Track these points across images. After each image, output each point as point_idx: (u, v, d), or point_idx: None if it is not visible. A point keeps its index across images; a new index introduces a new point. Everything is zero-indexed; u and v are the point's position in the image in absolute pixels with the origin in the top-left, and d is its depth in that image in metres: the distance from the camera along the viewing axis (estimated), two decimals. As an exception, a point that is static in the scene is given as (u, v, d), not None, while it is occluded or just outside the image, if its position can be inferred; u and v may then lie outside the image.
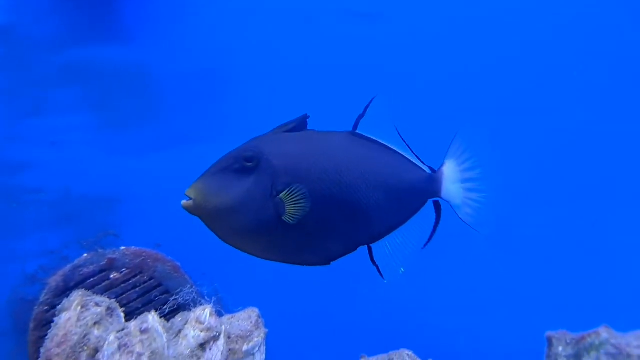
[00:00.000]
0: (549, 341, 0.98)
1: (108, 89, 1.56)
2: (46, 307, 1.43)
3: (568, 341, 0.95)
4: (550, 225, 1.60)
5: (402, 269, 1.18)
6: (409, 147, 1.18)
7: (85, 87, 1.55)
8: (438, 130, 1.25)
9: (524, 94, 1.60)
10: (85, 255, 1.48)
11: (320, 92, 1.56)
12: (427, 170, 1.19)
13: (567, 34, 1.61)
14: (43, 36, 1.53)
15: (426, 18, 1.63)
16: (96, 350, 0.89)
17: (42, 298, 1.44)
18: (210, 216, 1.10)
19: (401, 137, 1.18)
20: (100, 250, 1.50)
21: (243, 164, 1.10)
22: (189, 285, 1.27)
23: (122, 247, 1.41)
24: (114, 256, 1.45)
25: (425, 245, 1.19)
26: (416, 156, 1.19)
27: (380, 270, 1.17)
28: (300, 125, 1.16)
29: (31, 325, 1.43)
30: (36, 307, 1.44)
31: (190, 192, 1.09)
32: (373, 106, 1.16)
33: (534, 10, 1.62)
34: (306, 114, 1.16)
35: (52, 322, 1.39)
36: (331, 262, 1.16)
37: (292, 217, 1.09)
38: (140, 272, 1.44)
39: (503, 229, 1.56)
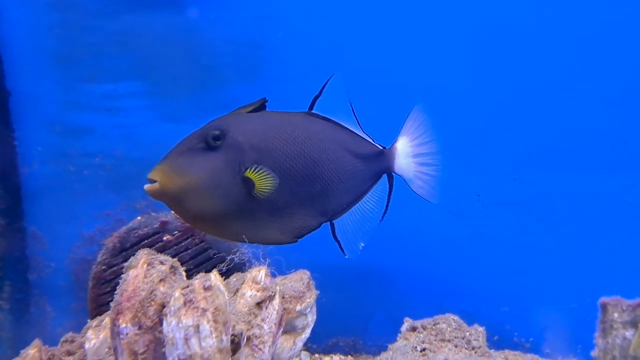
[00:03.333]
0: (603, 307, 0.97)
1: (159, 55, 1.59)
2: (104, 267, 1.50)
3: (624, 308, 0.94)
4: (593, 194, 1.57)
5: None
6: (361, 127, 1.22)
7: (138, 54, 1.58)
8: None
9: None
10: (139, 218, 1.53)
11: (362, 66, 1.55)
12: (380, 147, 1.23)
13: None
14: (97, 3, 1.56)
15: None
16: (162, 306, 0.92)
17: (100, 258, 1.51)
18: (177, 197, 1.06)
19: (355, 116, 1.21)
20: (153, 214, 1.56)
21: (209, 142, 1.07)
22: (244, 247, 1.30)
23: (174, 211, 1.45)
24: (166, 219, 1.50)
25: (382, 218, 1.23)
26: (368, 135, 1.23)
27: (342, 246, 1.20)
28: (258, 108, 1.16)
29: (90, 283, 1.51)
30: (94, 267, 1.51)
31: (155, 174, 1.05)
32: (329, 87, 1.17)
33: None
34: (264, 98, 1.16)
35: (109, 280, 1.48)
36: (298, 240, 1.18)
37: (262, 192, 1.09)
38: (192, 235, 1.49)
39: (547, 197, 1.55)
